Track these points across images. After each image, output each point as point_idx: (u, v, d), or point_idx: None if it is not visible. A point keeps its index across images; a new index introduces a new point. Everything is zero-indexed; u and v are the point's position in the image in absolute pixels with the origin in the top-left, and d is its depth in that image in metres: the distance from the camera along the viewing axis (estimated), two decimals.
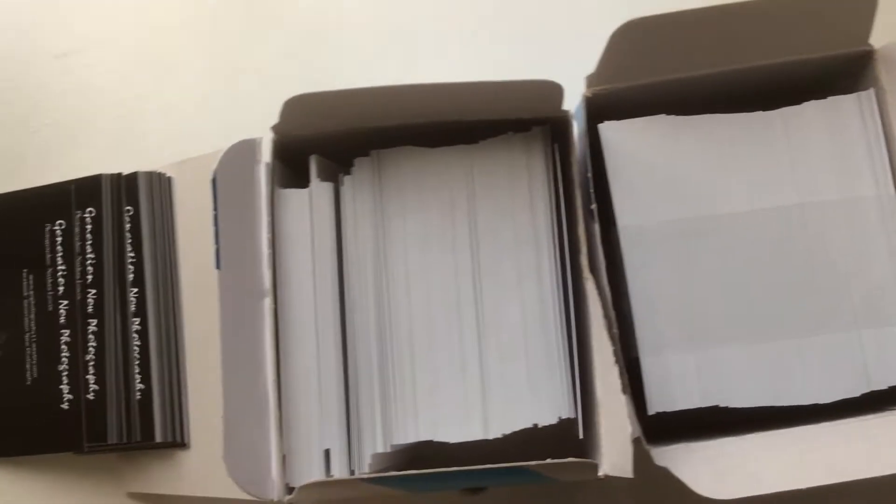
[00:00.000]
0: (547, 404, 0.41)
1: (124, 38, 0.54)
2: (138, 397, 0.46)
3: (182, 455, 0.46)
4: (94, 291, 0.47)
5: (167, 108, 0.53)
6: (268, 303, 0.41)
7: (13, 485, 0.49)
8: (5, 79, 0.53)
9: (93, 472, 0.49)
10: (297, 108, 0.40)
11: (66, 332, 0.47)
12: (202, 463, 0.45)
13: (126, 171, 0.47)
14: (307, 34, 0.54)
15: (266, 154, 0.43)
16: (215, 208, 0.42)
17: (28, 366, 0.48)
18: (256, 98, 0.53)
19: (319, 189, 0.43)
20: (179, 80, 0.53)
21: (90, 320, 0.47)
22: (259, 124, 0.52)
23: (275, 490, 0.40)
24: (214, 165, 0.45)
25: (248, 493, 0.39)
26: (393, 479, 0.38)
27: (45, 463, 0.49)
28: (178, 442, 0.46)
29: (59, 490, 0.49)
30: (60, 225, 0.48)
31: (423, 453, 0.42)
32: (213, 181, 0.42)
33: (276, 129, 0.42)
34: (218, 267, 0.42)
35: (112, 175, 0.48)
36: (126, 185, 0.48)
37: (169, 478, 0.46)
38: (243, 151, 0.43)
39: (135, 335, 0.46)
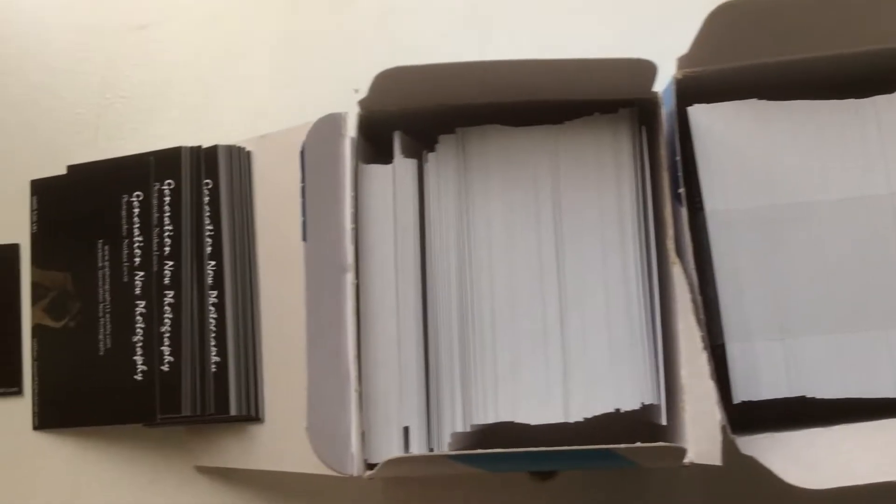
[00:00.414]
0: (629, 389, 0.40)
1: (200, 12, 0.53)
2: (213, 370, 0.46)
3: (255, 429, 0.46)
4: (171, 263, 0.47)
5: (241, 82, 0.53)
6: (350, 278, 0.41)
7: (81, 455, 0.49)
8: (82, 50, 0.53)
9: (160, 444, 0.49)
10: (387, 82, 0.39)
11: (142, 303, 0.47)
12: (276, 437, 0.45)
13: (199, 144, 0.47)
14: (383, 10, 0.54)
15: (351, 129, 0.42)
16: (303, 180, 0.42)
17: (101, 336, 0.48)
18: (330, 73, 0.53)
19: (403, 165, 0.42)
20: (254, 55, 0.53)
21: (166, 292, 0.47)
22: (332, 99, 0.52)
23: (354, 466, 0.40)
24: (296, 140, 0.45)
25: (329, 468, 0.39)
26: (477, 457, 0.37)
27: (113, 434, 0.49)
28: (252, 416, 0.45)
29: (126, 462, 0.49)
30: (138, 196, 0.48)
31: (495, 433, 0.42)
32: (302, 153, 0.42)
33: (362, 103, 0.41)
34: (304, 239, 0.41)
35: (192, 148, 0.48)
36: (206, 158, 0.48)
37: (241, 452, 0.46)
38: (329, 125, 0.42)
39: (211, 308, 0.46)
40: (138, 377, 0.47)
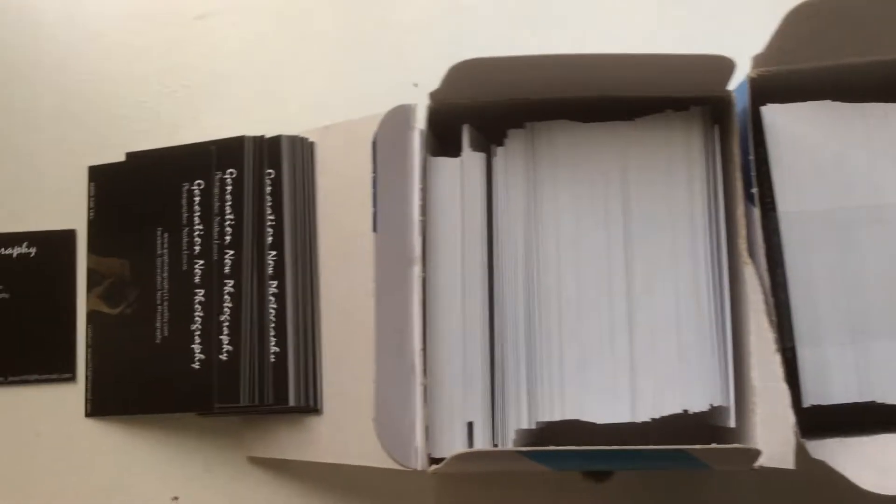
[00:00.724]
0: (698, 390, 0.40)
1: (262, 2, 0.53)
2: (272, 360, 0.45)
3: (313, 421, 0.45)
4: (231, 252, 0.47)
5: (302, 73, 0.52)
6: (417, 270, 0.41)
7: (133, 443, 0.49)
8: (144, 38, 0.53)
9: (214, 434, 0.49)
10: (461, 74, 0.39)
11: (201, 291, 0.47)
12: (335, 429, 0.45)
13: (261, 134, 0.47)
14: (445, 3, 0.53)
15: (419, 121, 0.42)
16: (374, 171, 0.41)
17: (158, 324, 0.48)
18: (388, 66, 0.53)
19: (471, 159, 0.42)
20: (315, 46, 0.53)
21: (226, 281, 0.47)
22: (390, 92, 0.52)
23: (418, 459, 0.39)
24: (361, 132, 0.45)
25: (394, 461, 0.39)
26: (549, 454, 0.37)
27: (166, 423, 0.49)
28: (311, 407, 0.45)
29: (179, 451, 0.49)
30: (199, 185, 0.48)
31: (555, 431, 0.41)
32: (374, 144, 0.42)
33: (433, 95, 0.41)
34: (375, 230, 0.41)
35: (255, 137, 0.48)
36: (268, 148, 0.47)
37: (298, 444, 0.46)
38: (399, 117, 0.42)
39: (271, 298, 0.46)
40: (196, 366, 0.46)
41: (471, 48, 0.52)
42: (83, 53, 0.52)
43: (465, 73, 0.39)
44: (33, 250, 0.50)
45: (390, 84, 0.52)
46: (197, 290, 0.47)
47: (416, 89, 0.52)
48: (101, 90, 0.52)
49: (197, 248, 0.47)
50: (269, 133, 0.48)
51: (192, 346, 0.47)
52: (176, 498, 0.48)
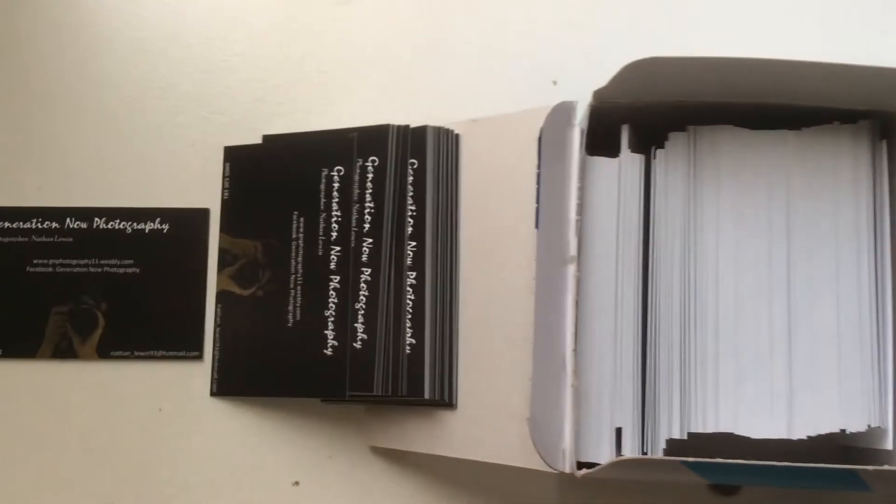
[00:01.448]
0: (857, 410, 0.39)
1: None
2: (408, 351, 0.45)
3: (447, 415, 0.45)
4: (370, 240, 0.46)
5: (439, 65, 0.52)
6: (571, 270, 0.40)
7: (258, 425, 0.49)
8: (284, 21, 0.53)
9: (337, 421, 0.49)
10: (632, 73, 0.38)
11: (336, 278, 0.47)
12: (469, 425, 0.44)
13: (406, 124, 0.47)
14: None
15: (579, 118, 0.41)
16: (539, 167, 0.41)
17: (290, 308, 0.48)
18: (528, 62, 0.52)
19: (630, 160, 0.41)
20: (454, 38, 0.52)
21: (363, 269, 0.46)
22: (529, 88, 0.51)
23: (565, 462, 0.39)
24: (509, 127, 0.44)
25: (544, 462, 0.38)
26: (710, 466, 0.36)
27: (290, 407, 0.49)
28: (445, 401, 0.45)
29: (302, 436, 0.49)
30: (339, 171, 0.48)
31: (701, 443, 0.40)
32: (539, 140, 0.41)
33: (598, 94, 0.40)
34: (537, 227, 0.41)
35: (399, 126, 0.47)
36: (413, 138, 0.47)
37: (428, 437, 0.45)
38: (561, 113, 0.41)
39: (409, 289, 0.46)
40: (328, 352, 0.46)
41: (611, 48, 0.52)
42: (225, 35, 0.52)
43: (636, 73, 0.38)
44: (166, 227, 0.50)
45: (528, 80, 0.51)
46: (332, 276, 0.47)
47: (555, 87, 0.51)
48: (240, 72, 0.52)
49: (334, 234, 0.47)
50: (405, 122, 0.48)
51: (326, 331, 0.46)
52: (297, 483, 0.48)
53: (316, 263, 0.47)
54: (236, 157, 0.51)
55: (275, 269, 0.48)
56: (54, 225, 0.50)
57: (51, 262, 0.50)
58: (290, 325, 0.47)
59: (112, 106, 0.52)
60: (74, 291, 0.50)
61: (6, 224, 0.50)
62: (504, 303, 0.44)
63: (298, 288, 0.48)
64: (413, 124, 0.48)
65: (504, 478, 0.47)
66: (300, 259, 0.48)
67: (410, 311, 0.45)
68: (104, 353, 0.49)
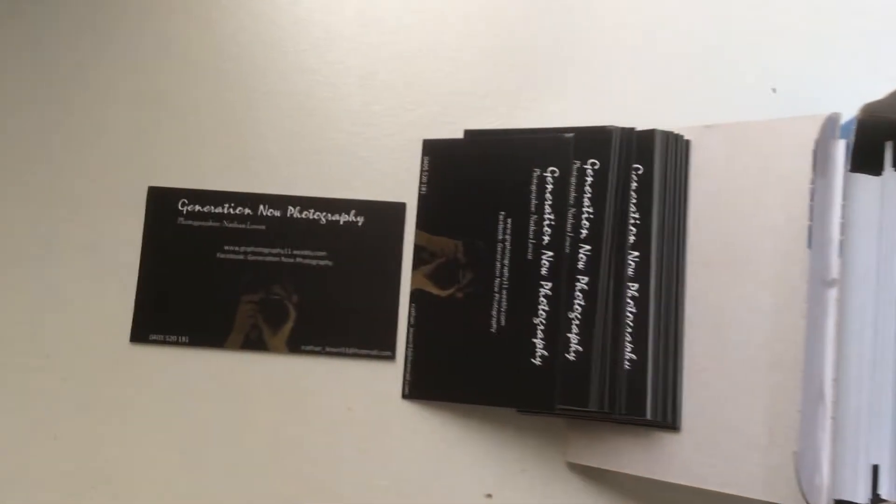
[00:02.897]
0: None
1: None
2: (627, 367, 0.43)
3: (666, 438, 0.42)
4: (587, 247, 0.44)
5: (654, 66, 0.49)
6: (833, 294, 0.37)
7: (451, 431, 0.47)
8: (489, 10, 0.50)
9: (533, 433, 0.47)
10: None
11: (548, 284, 0.45)
12: (694, 450, 0.42)
13: (632, 126, 0.45)
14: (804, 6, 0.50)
15: (843, 132, 0.39)
16: (812, 182, 0.38)
17: (494, 312, 0.46)
18: (746, 69, 0.49)
19: (893, 179, 0.38)
20: (669, 40, 0.50)
21: (580, 277, 0.44)
22: (748, 96, 0.48)
23: (822, 497, 0.36)
24: (747, 135, 0.42)
25: (803, 498, 0.36)
26: None
27: (484, 414, 0.47)
28: (667, 423, 0.42)
29: (496, 446, 0.47)
30: (552, 172, 0.46)
31: None
32: (814, 152, 0.38)
33: (866, 108, 0.38)
34: (809, 246, 0.38)
35: (624, 129, 0.45)
36: (638, 142, 0.45)
37: (642, 459, 0.43)
38: (828, 126, 0.39)
39: (629, 301, 0.43)
40: (536, 361, 0.44)
41: (832, 56, 0.49)
42: (425, 23, 0.50)
43: None
44: (361, 219, 0.49)
45: (747, 86, 0.49)
46: (543, 283, 0.45)
47: (775, 95, 0.49)
48: (441, 63, 0.50)
49: (546, 238, 0.45)
50: (601, 124, 0.46)
51: (534, 340, 0.44)
52: (489, 495, 0.46)
53: (525, 268, 0.45)
54: (435, 151, 0.49)
55: (477, 270, 0.46)
56: (247, 211, 0.49)
57: (242, 248, 0.48)
58: (493, 330, 0.45)
59: (307, 91, 0.50)
60: (266, 281, 0.48)
61: (197, 207, 0.49)
62: (742, 321, 0.41)
63: (504, 292, 0.45)
64: (618, 125, 0.46)
65: None
66: (506, 262, 0.46)
67: (631, 324, 0.43)
68: (294, 346, 0.48)
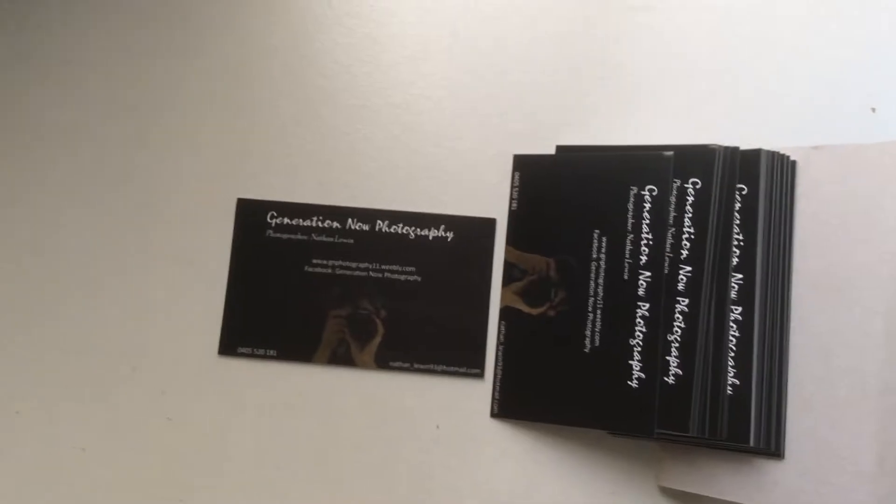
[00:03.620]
0: None
1: (711, 2, 0.50)
2: (730, 392, 0.42)
3: (770, 465, 0.41)
4: (687, 268, 0.43)
5: (748, 86, 0.48)
6: None
7: (541, 451, 0.46)
8: (580, 25, 0.50)
9: (624, 455, 0.46)
10: None
11: (645, 305, 0.44)
12: (801, 479, 0.41)
13: (736, 145, 0.44)
14: None
15: None
16: None
17: (588, 332, 0.45)
18: (845, 88, 0.48)
19: None
20: (767, 57, 0.49)
21: (679, 299, 0.43)
22: (846, 116, 0.47)
23: None
24: (860, 158, 0.41)
25: None
26: None
27: (576, 436, 0.46)
28: (771, 450, 0.41)
29: (586, 468, 0.46)
30: (651, 191, 0.45)
31: None
32: None
33: None
34: None
35: (727, 148, 0.44)
36: (742, 161, 0.44)
37: (743, 486, 0.42)
38: None
39: (732, 325, 0.42)
40: (633, 384, 0.43)
41: None
42: (518, 36, 0.50)
43: None
44: (450, 235, 0.48)
45: (845, 107, 0.48)
46: (640, 304, 0.44)
47: (874, 115, 0.47)
48: (533, 77, 0.49)
49: (643, 259, 0.44)
50: (693, 143, 0.45)
51: (630, 361, 0.43)
52: None
53: (620, 287, 0.44)
54: (526, 167, 0.48)
55: (570, 289, 0.46)
56: (335, 224, 0.48)
57: (330, 262, 0.48)
58: (587, 350, 0.45)
59: (397, 103, 0.49)
60: (354, 295, 0.48)
61: (286, 220, 0.48)
62: (851, 347, 0.40)
63: (598, 312, 0.45)
64: (709, 143, 0.45)
65: None
66: (601, 281, 0.45)
67: (734, 348, 0.42)
68: (382, 362, 0.47)
